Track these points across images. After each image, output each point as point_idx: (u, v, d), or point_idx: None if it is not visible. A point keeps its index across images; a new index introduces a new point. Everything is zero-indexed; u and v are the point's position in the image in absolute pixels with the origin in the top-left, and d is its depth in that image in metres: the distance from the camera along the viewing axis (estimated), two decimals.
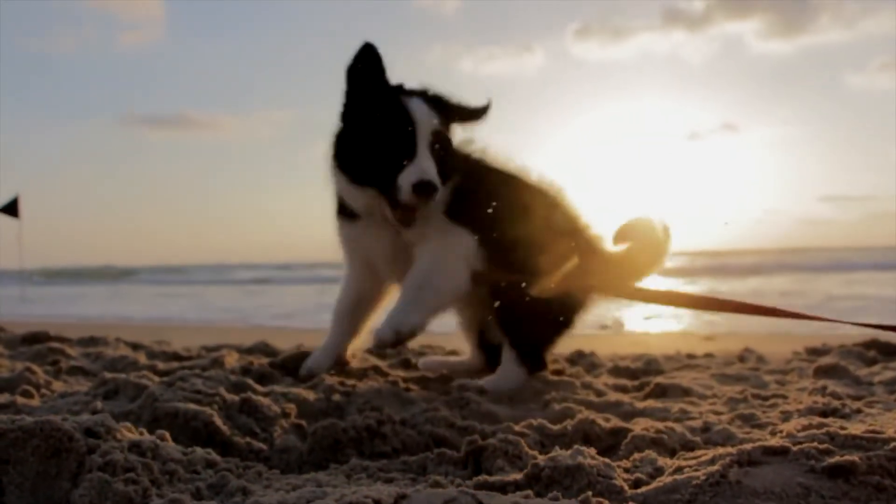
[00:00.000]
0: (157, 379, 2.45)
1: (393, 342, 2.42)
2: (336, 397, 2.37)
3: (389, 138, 2.39)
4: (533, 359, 2.73)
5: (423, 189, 2.31)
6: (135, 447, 1.58)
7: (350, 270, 2.85)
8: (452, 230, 2.53)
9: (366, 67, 2.45)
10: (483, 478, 1.48)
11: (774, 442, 1.51)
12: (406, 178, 2.33)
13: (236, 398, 2.14)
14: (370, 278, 2.81)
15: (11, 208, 13.59)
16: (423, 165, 2.34)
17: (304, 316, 9.44)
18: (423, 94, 2.50)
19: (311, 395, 2.36)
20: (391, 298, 2.81)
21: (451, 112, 2.55)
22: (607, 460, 1.51)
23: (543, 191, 2.74)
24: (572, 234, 2.69)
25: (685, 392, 2.64)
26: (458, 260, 2.53)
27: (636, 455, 1.67)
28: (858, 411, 2.11)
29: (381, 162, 2.40)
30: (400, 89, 2.50)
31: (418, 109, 2.41)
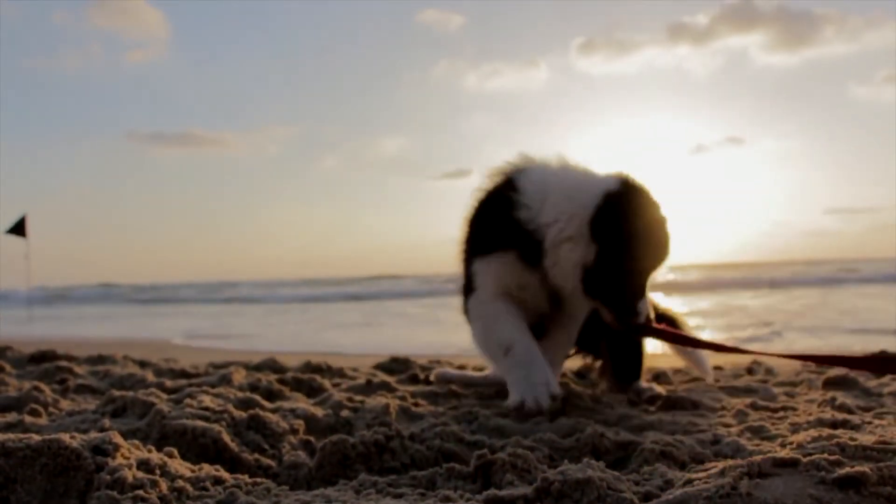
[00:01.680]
0: (164, 396, 2.46)
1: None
2: (344, 413, 2.37)
3: (647, 274, 2.55)
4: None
5: (649, 321, 2.60)
6: (143, 465, 1.58)
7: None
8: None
9: (640, 200, 2.51)
10: (492, 492, 1.48)
11: (785, 453, 1.50)
12: (644, 308, 2.55)
13: (244, 415, 2.14)
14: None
15: (19, 228, 13.66)
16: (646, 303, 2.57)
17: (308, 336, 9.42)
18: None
19: (319, 411, 2.36)
20: None
21: None
22: (617, 473, 1.51)
23: None
24: None
25: (694, 405, 2.63)
26: None
27: (646, 468, 1.66)
28: (868, 423, 2.10)
29: (627, 289, 2.52)
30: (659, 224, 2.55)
31: (670, 250, 2.56)
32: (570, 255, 2.47)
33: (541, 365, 2.50)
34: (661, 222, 2.53)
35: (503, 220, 2.57)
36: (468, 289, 2.71)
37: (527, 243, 2.52)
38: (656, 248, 2.53)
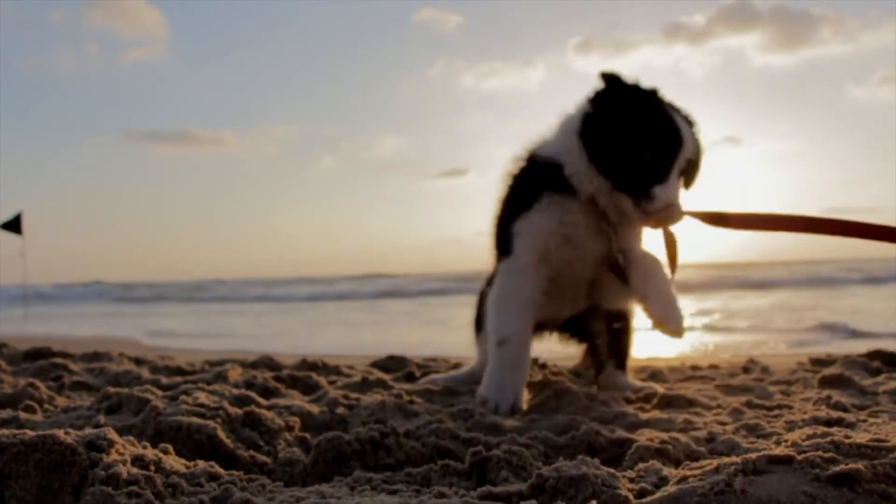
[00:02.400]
0: (160, 393, 2.45)
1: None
2: (340, 410, 2.36)
3: (656, 152, 2.49)
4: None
5: (672, 212, 2.53)
6: (137, 461, 1.58)
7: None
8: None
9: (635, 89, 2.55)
10: (488, 489, 1.48)
11: (779, 451, 1.50)
12: (662, 193, 2.48)
13: (240, 411, 2.14)
14: None
15: (14, 225, 13.62)
16: (675, 189, 2.52)
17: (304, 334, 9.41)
18: (682, 114, 2.60)
19: (314, 409, 2.36)
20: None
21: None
22: (612, 470, 1.51)
23: None
24: None
25: (690, 403, 2.63)
26: None
27: (640, 465, 1.66)
28: (863, 421, 2.11)
29: (642, 172, 2.50)
30: (664, 103, 2.58)
31: (685, 132, 2.53)
32: (568, 141, 2.58)
33: (522, 373, 2.55)
34: (663, 111, 2.53)
35: (534, 178, 2.66)
36: (502, 253, 2.73)
37: (560, 181, 2.59)
38: (659, 125, 2.50)
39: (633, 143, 2.48)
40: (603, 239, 2.62)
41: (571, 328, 3.18)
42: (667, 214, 2.51)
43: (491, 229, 2.87)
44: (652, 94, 2.56)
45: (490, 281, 2.83)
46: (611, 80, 2.55)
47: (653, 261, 2.63)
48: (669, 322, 2.45)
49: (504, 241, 2.72)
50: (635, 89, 2.55)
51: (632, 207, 2.53)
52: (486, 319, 2.70)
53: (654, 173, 2.49)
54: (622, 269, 2.61)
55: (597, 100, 2.57)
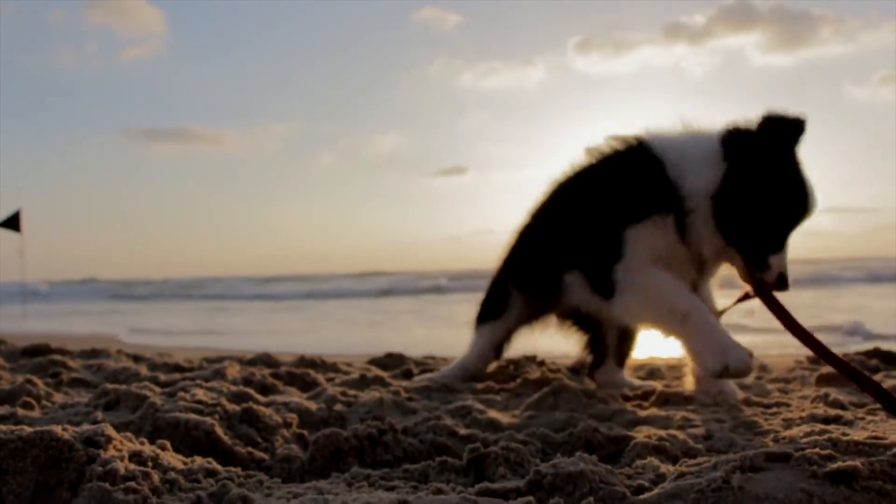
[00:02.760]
0: (158, 390, 2.45)
1: None
2: (338, 407, 2.36)
3: (786, 221, 2.42)
4: None
5: (783, 284, 2.43)
6: (135, 457, 1.58)
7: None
8: None
9: (787, 139, 2.44)
10: (485, 485, 1.48)
11: (777, 448, 1.50)
12: (776, 262, 2.41)
13: (237, 408, 2.14)
14: None
15: (13, 222, 13.59)
16: (786, 256, 2.44)
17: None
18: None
19: (312, 405, 2.35)
20: None
21: None
22: (609, 467, 1.51)
23: None
24: None
25: (687, 400, 2.63)
26: None
27: (638, 462, 1.67)
28: (861, 419, 2.11)
29: (764, 239, 2.43)
30: (803, 172, 2.45)
31: (815, 202, 2.44)
32: (697, 182, 2.46)
33: (724, 329, 2.40)
34: (801, 174, 2.42)
35: (652, 187, 2.53)
36: (611, 257, 2.57)
37: (677, 208, 2.49)
38: (796, 191, 2.40)
39: (766, 211, 2.40)
40: (691, 276, 2.60)
41: (577, 318, 3.13)
42: (774, 284, 2.42)
43: (580, 210, 2.76)
44: (795, 152, 2.44)
45: (603, 257, 2.62)
46: (766, 129, 2.42)
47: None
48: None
49: (606, 233, 2.59)
50: (782, 143, 2.42)
51: (742, 267, 2.49)
52: (651, 317, 2.55)
53: (775, 241, 2.43)
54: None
55: (738, 153, 2.43)
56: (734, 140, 2.45)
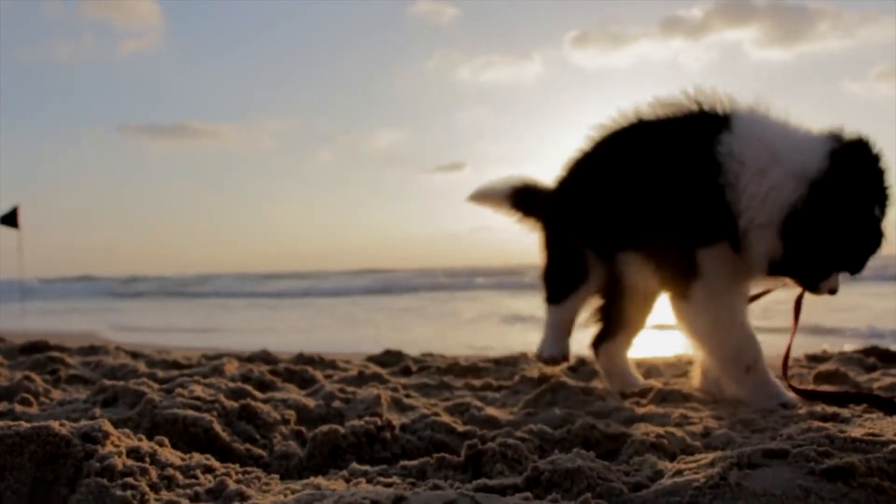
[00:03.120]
0: (156, 386, 2.45)
1: None
2: (336, 404, 2.36)
3: (856, 257, 2.28)
4: None
5: (834, 293, 2.35)
6: (133, 452, 1.58)
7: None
8: None
9: (876, 174, 2.23)
10: (483, 481, 1.48)
11: (774, 444, 1.51)
12: (830, 286, 2.31)
13: (236, 405, 2.14)
14: None
15: (11, 219, 13.58)
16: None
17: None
18: None
19: (310, 402, 2.36)
20: None
21: None
22: (607, 463, 1.51)
23: None
24: None
25: (685, 398, 2.63)
26: None
27: (636, 459, 1.67)
28: (858, 416, 2.11)
29: (826, 270, 2.30)
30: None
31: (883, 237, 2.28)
32: (757, 247, 2.27)
33: (776, 381, 2.43)
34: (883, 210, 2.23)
35: (718, 198, 2.29)
36: (686, 270, 2.40)
37: (733, 228, 2.30)
38: (873, 234, 2.23)
39: (839, 249, 2.23)
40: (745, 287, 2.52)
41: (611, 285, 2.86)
42: (826, 293, 2.35)
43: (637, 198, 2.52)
44: (883, 183, 2.24)
45: (677, 268, 2.45)
46: (851, 157, 2.19)
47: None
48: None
49: (680, 248, 2.41)
50: (866, 176, 2.20)
51: (795, 282, 2.38)
52: (720, 355, 2.48)
53: (837, 268, 2.29)
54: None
55: (820, 187, 2.16)
56: (846, 155, 2.18)
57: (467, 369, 3.48)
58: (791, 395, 2.39)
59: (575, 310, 2.87)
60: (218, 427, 1.97)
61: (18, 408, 2.25)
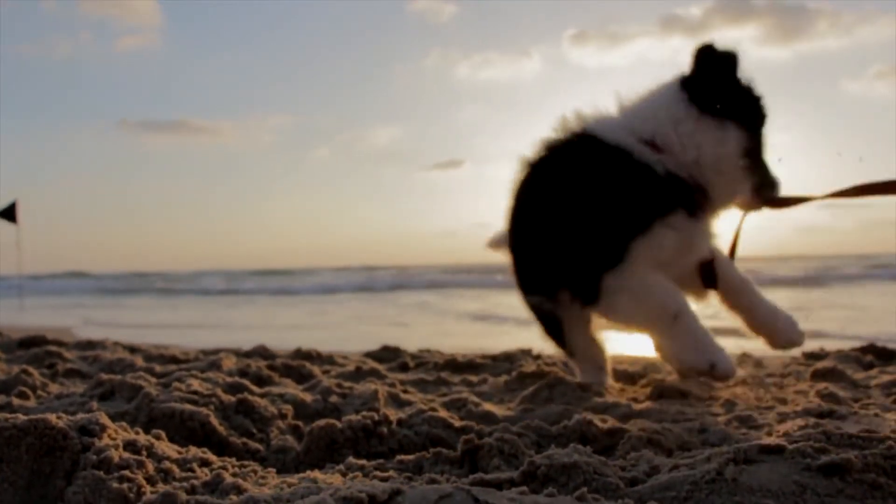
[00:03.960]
0: (153, 380, 2.45)
1: None
2: (333, 398, 2.37)
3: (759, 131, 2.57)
4: None
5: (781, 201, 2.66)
6: (129, 446, 1.58)
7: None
8: None
9: (732, 62, 2.54)
10: (479, 476, 1.48)
11: (771, 440, 1.51)
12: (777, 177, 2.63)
13: (233, 399, 2.14)
14: None
15: (9, 213, 13.53)
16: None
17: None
18: None
19: (308, 397, 2.36)
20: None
21: None
22: (603, 459, 1.51)
23: None
24: None
25: (682, 394, 2.63)
26: None
27: (633, 454, 1.67)
28: (855, 413, 2.11)
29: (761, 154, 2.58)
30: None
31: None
32: (704, 148, 2.46)
33: (712, 337, 2.43)
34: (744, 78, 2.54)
35: (656, 192, 2.41)
36: (607, 262, 2.45)
37: (688, 198, 2.44)
38: (759, 104, 2.55)
39: (747, 119, 2.51)
40: (707, 243, 2.58)
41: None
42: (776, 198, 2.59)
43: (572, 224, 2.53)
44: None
45: (598, 263, 2.48)
46: (715, 56, 2.52)
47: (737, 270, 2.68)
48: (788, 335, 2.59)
49: (606, 244, 2.45)
50: (732, 65, 2.53)
51: (751, 195, 2.56)
52: (640, 318, 2.51)
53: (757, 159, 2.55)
54: (714, 275, 2.60)
55: (700, 85, 2.51)
56: (699, 75, 2.52)
57: (464, 365, 3.49)
58: (724, 357, 2.37)
59: (589, 348, 2.86)
60: (215, 421, 1.97)
61: (16, 401, 2.26)
